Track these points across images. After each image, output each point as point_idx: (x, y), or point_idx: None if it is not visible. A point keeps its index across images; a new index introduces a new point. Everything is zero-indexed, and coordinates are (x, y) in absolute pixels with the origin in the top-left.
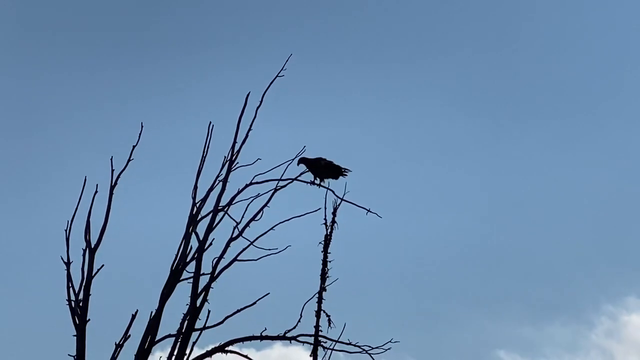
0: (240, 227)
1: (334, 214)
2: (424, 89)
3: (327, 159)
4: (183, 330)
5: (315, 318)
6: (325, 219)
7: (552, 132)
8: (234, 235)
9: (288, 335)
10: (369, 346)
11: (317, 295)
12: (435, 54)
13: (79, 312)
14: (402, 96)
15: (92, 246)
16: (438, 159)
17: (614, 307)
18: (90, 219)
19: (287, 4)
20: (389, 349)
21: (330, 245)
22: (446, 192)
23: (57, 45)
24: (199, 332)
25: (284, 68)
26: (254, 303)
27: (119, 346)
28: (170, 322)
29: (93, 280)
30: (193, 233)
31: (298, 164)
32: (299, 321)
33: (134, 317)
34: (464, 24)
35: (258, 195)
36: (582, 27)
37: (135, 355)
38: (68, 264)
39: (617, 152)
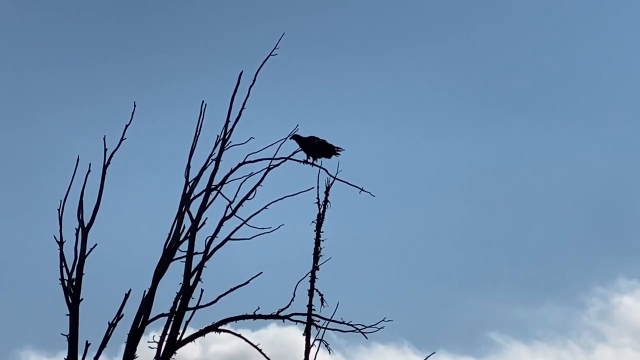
0: (234, 206)
1: (326, 193)
2: (418, 70)
3: (320, 138)
4: (176, 310)
5: (308, 297)
6: (318, 198)
7: (546, 116)
8: (227, 215)
9: (281, 314)
10: (362, 325)
11: (310, 274)
12: (429, 36)
13: (72, 292)
14: (396, 76)
15: (85, 225)
16: (431, 140)
17: (604, 288)
18: (83, 199)
19: None
20: (382, 327)
21: (323, 224)
22: (439, 172)
23: (49, 28)
24: (192, 311)
25: (277, 47)
26: (247, 282)
27: (112, 325)
28: (164, 302)
29: (86, 260)
30: (186, 212)
31: (291, 139)
32: (292, 300)
33: (127, 296)
34: (459, 8)
35: (251, 174)
36: (577, 17)
37: (128, 334)
38: (61, 243)
39: (607, 137)
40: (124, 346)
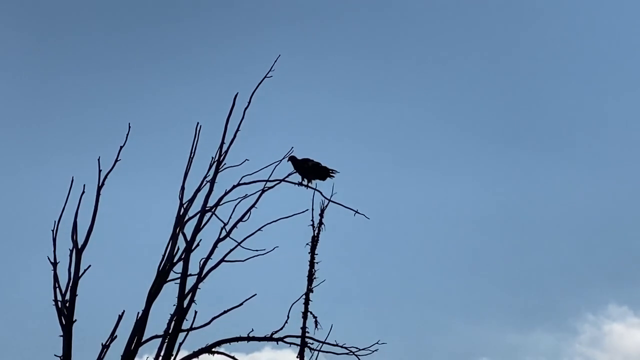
0: (228, 227)
1: (321, 215)
2: (415, 95)
3: (315, 160)
4: (170, 331)
5: (302, 319)
6: (312, 220)
7: (539, 145)
8: (221, 236)
9: (275, 336)
10: (356, 347)
11: (304, 296)
12: (432, 60)
13: (66, 313)
14: (390, 99)
15: (79, 247)
16: (426, 164)
17: (594, 315)
18: (77, 220)
19: (276, 4)
20: (375, 350)
21: (317, 247)
22: (433, 197)
23: (47, 46)
24: (186, 332)
25: (272, 69)
26: (241, 304)
27: (105, 347)
28: (157, 323)
29: (80, 281)
30: (180, 234)
31: (288, 161)
32: (286, 322)
33: (120, 317)
34: (465, 31)
35: (246, 196)
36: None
37: (121, 356)
38: (55, 264)
39: (598, 165)
40: None
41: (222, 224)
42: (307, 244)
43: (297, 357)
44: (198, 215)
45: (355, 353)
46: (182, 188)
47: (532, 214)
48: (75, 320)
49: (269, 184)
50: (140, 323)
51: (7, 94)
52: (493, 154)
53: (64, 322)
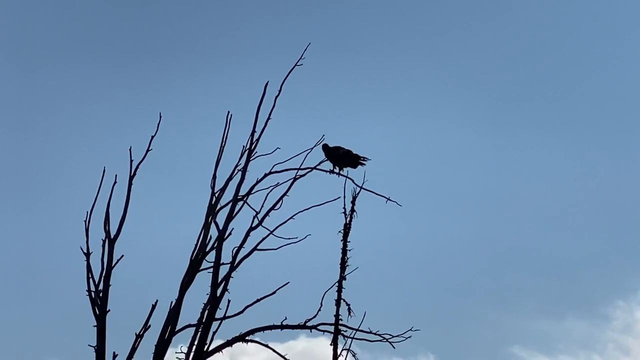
0: (260, 216)
1: (353, 202)
2: (449, 79)
3: (346, 148)
4: (203, 320)
5: (335, 307)
6: (344, 207)
7: (567, 131)
8: (253, 225)
9: (308, 324)
10: (389, 334)
11: (337, 284)
12: (458, 42)
13: (99, 303)
14: (423, 86)
15: (112, 237)
16: (458, 151)
17: (625, 302)
18: (110, 210)
19: None
20: (409, 337)
21: (349, 234)
22: (465, 184)
23: (77, 38)
24: (220, 321)
25: (302, 57)
26: (274, 292)
27: (139, 336)
28: (191, 312)
29: (113, 271)
30: (212, 223)
31: (322, 149)
32: (319, 310)
33: (154, 307)
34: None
35: (277, 185)
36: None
37: (155, 345)
38: (88, 254)
39: (631, 150)
40: (151, 357)
41: (254, 213)
42: (340, 231)
43: (330, 344)
44: (230, 204)
45: (389, 340)
46: (214, 177)
47: (563, 201)
48: (109, 310)
49: (300, 172)
50: (174, 312)
51: (38, 84)
52: (523, 142)
53: (97, 313)
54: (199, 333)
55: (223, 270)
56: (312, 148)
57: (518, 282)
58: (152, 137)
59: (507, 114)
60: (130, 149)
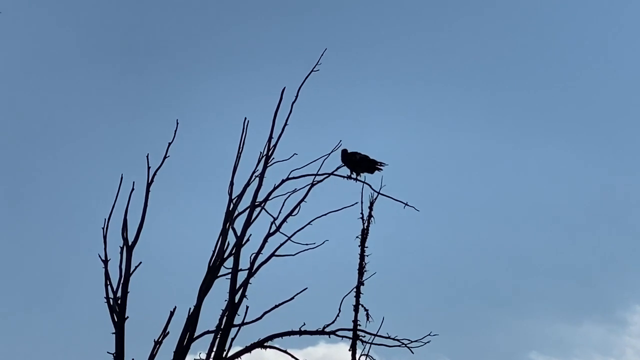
0: (278, 222)
1: (370, 208)
2: (460, 85)
3: (362, 153)
4: (222, 327)
5: (354, 312)
6: (362, 213)
7: (585, 135)
8: (271, 231)
9: (327, 330)
10: (408, 339)
11: (355, 289)
12: (477, 46)
13: (118, 310)
14: (441, 89)
15: (130, 244)
16: (474, 157)
17: None
18: (127, 217)
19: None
20: (427, 342)
21: (367, 240)
22: (483, 189)
23: (94, 44)
24: (238, 327)
25: (319, 62)
26: (292, 298)
27: (158, 343)
28: (209, 319)
29: (131, 278)
30: (230, 229)
31: (342, 154)
32: (337, 316)
33: (172, 313)
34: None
35: (295, 191)
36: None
37: (174, 352)
38: (106, 261)
39: None
40: None
41: (272, 219)
42: (357, 237)
43: (349, 349)
44: (248, 210)
45: (408, 345)
46: (231, 183)
47: (580, 206)
48: (127, 317)
49: (318, 178)
50: (192, 319)
51: (56, 91)
52: (535, 149)
53: (116, 319)
54: (218, 339)
55: (241, 277)
56: (330, 154)
57: (535, 287)
58: (169, 143)
59: (525, 119)
60: (147, 156)
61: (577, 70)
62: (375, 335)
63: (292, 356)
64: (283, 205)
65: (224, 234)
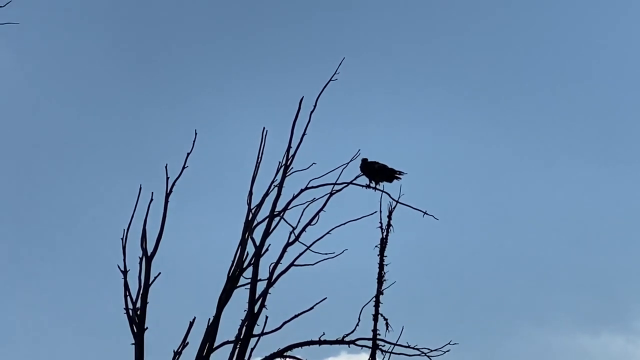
0: (297, 232)
1: (389, 217)
2: (478, 93)
3: (381, 162)
4: (241, 337)
5: (373, 322)
6: (380, 222)
7: (604, 148)
8: (290, 241)
9: (347, 339)
10: (428, 349)
11: (374, 298)
12: (497, 53)
13: (137, 321)
14: (461, 98)
15: (149, 254)
16: (494, 165)
17: None
18: (147, 227)
19: (340, 5)
20: (447, 351)
21: (386, 249)
22: (502, 198)
23: (110, 54)
24: (257, 338)
25: (337, 72)
26: (312, 308)
27: (177, 354)
28: (228, 329)
29: (150, 288)
30: (249, 239)
31: (361, 162)
32: (357, 325)
33: (191, 324)
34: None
35: (314, 200)
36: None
37: None
38: (125, 272)
39: None
40: None
41: (291, 228)
42: (376, 246)
43: (369, 359)
44: (267, 220)
45: (428, 354)
46: (250, 193)
47: (597, 217)
48: (147, 327)
49: (336, 187)
50: (212, 329)
51: (75, 102)
52: (555, 162)
53: (135, 330)
54: (237, 350)
55: (260, 287)
56: (348, 163)
57: (554, 297)
58: (188, 154)
59: (549, 128)
60: (166, 166)
61: (603, 81)
62: (395, 344)
63: None
64: (302, 214)
65: (243, 243)
